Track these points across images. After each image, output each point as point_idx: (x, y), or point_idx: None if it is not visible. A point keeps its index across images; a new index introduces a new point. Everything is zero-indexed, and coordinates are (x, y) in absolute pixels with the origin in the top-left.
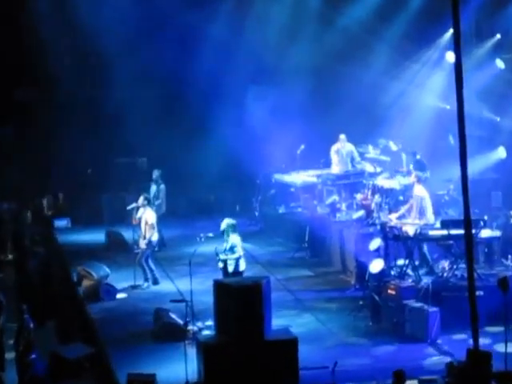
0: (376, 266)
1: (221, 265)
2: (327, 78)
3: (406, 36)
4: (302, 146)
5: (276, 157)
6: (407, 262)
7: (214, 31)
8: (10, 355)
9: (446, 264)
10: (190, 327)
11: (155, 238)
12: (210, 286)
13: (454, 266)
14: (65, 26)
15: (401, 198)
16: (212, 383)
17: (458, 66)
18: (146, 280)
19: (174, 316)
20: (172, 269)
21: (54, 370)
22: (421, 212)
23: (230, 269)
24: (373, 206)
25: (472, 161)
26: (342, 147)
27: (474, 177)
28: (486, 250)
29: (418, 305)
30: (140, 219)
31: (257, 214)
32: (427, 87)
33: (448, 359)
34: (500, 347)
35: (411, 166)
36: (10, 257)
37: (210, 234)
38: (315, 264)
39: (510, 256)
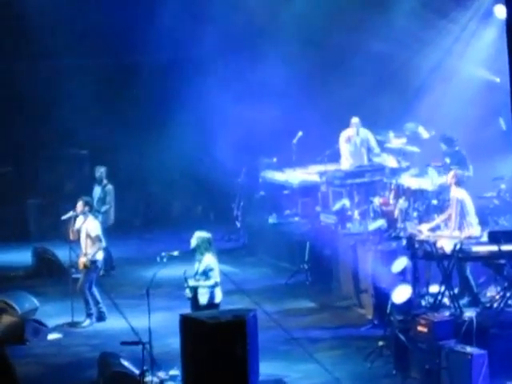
0: (401, 294)
1: (189, 294)
2: (333, 43)
3: None
4: (300, 134)
5: (264, 148)
6: (443, 288)
7: None
8: None
9: (495, 291)
10: (148, 378)
11: (100, 256)
12: (176, 322)
13: (507, 294)
14: None
15: (434, 202)
16: None
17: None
18: (89, 316)
19: (126, 363)
20: (123, 299)
21: None
22: (461, 221)
23: (203, 299)
24: (396, 213)
25: None
26: (354, 134)
27: None
28: None
29: (459, 347)
30: (79, 231)
31: (238, 224)
32: (468, 54)
33: None
34: None
35: (447, 160)
36: None
37: (175, 253)
38: (318, 292)
39: None
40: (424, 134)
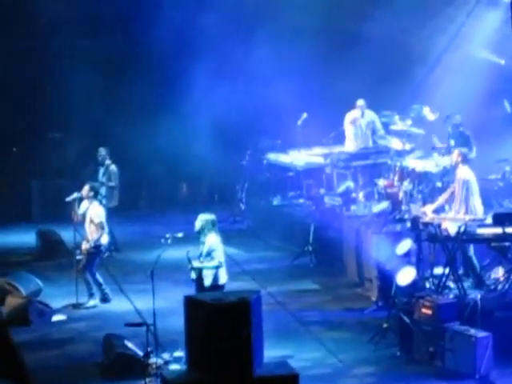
0: (405, 276)
1: (194, 275)
2: (339, 27)
3: None
4: (304, 115)
5: (269, 130)
6: (448, 270)
7: None
8: None
9: (500, 273)
10: (152, 360)
11: (105, 240)
12: (180, 304)
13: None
14: None
15: (439, 184)
16: None
17: None
18: (92, 296)
19: (130, 345)
20: (128, 281)
21: None
22: (466, 202)
23: (207, 281)
24: (401, 195)
25: None
26: (359, 116)
27: None
28: None
29: (463, 328)
30: (84, 216)
31: (243, 207)
32: (473, 37)
33: None
34: None
35: (452, 142)
36: None
37: (180, 235)
38: (322, 274)
39: None
40: (429, 115)
